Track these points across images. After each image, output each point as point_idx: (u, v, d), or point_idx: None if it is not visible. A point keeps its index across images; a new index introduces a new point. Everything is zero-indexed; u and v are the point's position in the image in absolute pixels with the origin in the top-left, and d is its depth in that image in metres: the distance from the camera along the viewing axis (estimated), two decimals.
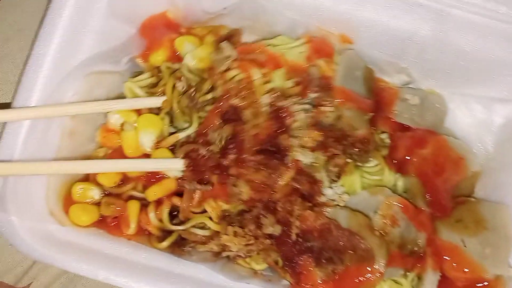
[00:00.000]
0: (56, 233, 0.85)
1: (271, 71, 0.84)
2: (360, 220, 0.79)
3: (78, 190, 0.87)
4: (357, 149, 0.81)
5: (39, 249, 0.82)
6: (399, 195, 0.83)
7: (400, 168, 0.88)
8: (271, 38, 0.92)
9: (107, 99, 0.89)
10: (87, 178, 0.90)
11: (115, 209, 0.88)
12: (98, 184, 0.88)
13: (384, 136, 0.90)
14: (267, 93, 0.83)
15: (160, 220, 0.86)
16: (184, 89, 0.85)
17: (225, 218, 0.83)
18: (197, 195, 0.83)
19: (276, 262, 0.83)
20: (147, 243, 0.87)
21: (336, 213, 0.80)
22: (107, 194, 0.89)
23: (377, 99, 0.90)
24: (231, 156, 0.79)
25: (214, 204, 0.83)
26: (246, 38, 0.95)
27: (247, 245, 0.81)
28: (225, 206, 0.83)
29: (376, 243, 0.78)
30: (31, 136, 0.80)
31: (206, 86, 0.84)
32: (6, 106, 0.81)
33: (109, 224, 0.89)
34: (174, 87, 0.86)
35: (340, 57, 0.89)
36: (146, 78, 0.90)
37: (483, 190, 0.89)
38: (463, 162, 0.87)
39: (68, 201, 0.86)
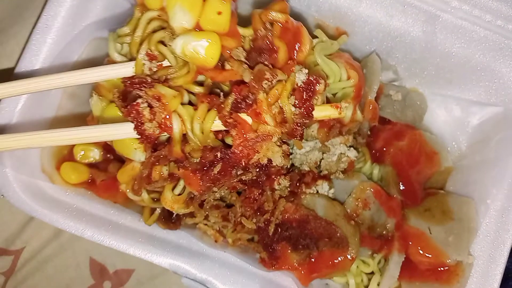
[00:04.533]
0: (47, 190, 0.88)
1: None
2: (336, 210, 0.84)
3: (80, 151, 0.89)
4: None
5: (30, 203, 0.85)
6: (374, 182, 0.89)
7: (377, 158, 0.93)
8: None
9: None
10: None
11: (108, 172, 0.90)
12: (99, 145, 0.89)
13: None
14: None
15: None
16: (153, 71, 0.74)
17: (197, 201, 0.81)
18: (157, 171, 0.79)
19: (252, 239, 0.88)
20: (135, 208, 0.91)
21: (314, 201, 0.85)
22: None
23: None
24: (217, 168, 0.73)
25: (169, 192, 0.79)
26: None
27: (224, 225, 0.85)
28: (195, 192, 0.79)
29: (350, 231, 0.83)
30: (33, 95, 0.83)
31: (184, 78, 0.74)
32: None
33: (98, 186, 0.92)
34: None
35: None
36: (126, 34, 0.79)
37: (454, 185, 0.96)
38: (436, 157, 0.93)
39: (62, 159, 0.89)
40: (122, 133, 0.75)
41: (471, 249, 0.87)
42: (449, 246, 0.85)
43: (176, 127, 0.72)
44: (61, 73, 0.77)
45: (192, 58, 0.72)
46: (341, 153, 0.83)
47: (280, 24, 0.75)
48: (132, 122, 0.71)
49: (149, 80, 0.72)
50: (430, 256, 0.85)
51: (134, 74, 0.75)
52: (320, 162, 0.85)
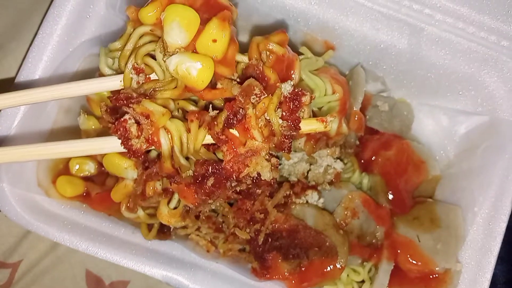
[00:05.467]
0: (43, 204, 0.90)
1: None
2: (326, 219, 0.86)
3: (75, 164, 0.91)
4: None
5: (26, 217, 0.87)
6: (363, 192, 0.91)
7: (366, 167, 0.95)
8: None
9: None
10: None
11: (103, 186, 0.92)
12: (94, 158, 0.92)
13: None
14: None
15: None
16: (140, 84, 0.73)
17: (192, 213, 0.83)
18: (151, 186, 0.79)
19: (244, 249, 0.89)
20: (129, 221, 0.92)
21: (304, 211, 0.87)
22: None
23: None
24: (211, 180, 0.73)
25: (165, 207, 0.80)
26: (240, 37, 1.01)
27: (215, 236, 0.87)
28: (190, 205, 0.79)
29: (339, 240, 0.85)
30: (30, 110, 0.86)
31: (172, 92, 0.72)
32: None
33: (93, 199, 0.94)
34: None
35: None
36: (117, 49, 0.77)
37: (442, 193, 0.97)
38: (424, 166, 0.95)
39: (58, 173, 0.91)
40: (111, 146, 0.75)
41: (459, 256, 0.88)
42: (438, 254, 0.87)
43: (165, 144, 0.72)
44: (47, 87, 0.76)
45: (183, 78, 0.71)
46: (328, 165, 0.85)
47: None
48: (119, 138, 0.71)
49: (135, 95, 0.71)
50: (419, 264, 0.87)
51: (122, 87, 0.75)
52: (307, 173, 0.87)
